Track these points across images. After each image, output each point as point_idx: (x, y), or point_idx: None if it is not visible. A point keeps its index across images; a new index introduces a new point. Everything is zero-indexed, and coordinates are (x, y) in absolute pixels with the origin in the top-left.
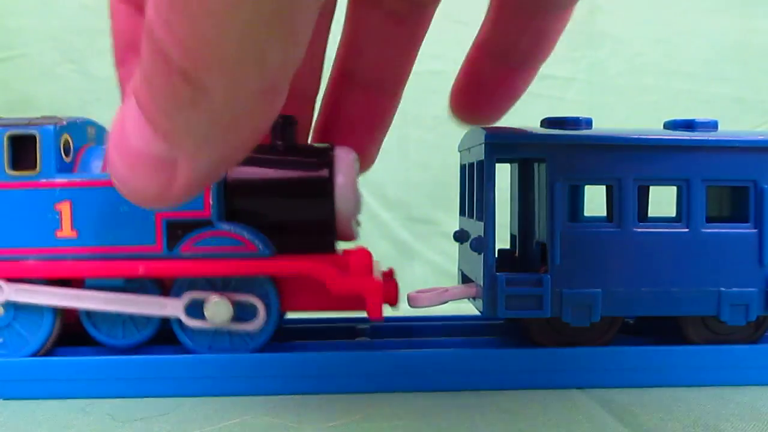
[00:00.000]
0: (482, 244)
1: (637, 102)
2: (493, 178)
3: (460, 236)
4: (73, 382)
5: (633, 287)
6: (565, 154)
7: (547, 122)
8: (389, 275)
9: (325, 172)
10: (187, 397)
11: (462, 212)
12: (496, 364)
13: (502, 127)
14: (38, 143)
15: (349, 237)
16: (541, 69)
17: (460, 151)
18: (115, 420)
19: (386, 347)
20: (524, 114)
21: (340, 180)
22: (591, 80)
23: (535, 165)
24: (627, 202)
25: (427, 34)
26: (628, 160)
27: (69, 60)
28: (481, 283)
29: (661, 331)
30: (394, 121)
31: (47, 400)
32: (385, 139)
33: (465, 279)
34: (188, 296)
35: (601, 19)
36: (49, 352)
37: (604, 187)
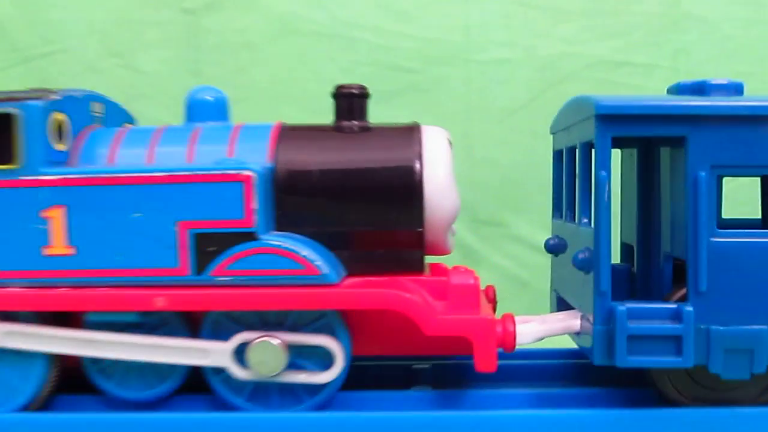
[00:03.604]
0: (591, 260)
1: None
2: (608, 165)
3: (554, 246)
4: None
5: None
6: (713, 132)
7: (681, 89)
8: (494, 301)
9: (411, 160)
10: None
11: (557, 213)
12: (613, 430)
13: (615, 95)
14: (17, 126)
15: (443, 250)
16: (617, 56)
17: (553, 133)
18: None
19: (454, 403)
20: None
21: (433, 172)
22: (676, 67)
23: (661, 149)
24: None
25: (492, 19)
26: None
27: (113, 53)
28: (590, 316)
29: None
30: (456, 115)
31: None
32: (449, 135)
33: (562, 304)
34: (238, 339)
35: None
36: (44, 405)
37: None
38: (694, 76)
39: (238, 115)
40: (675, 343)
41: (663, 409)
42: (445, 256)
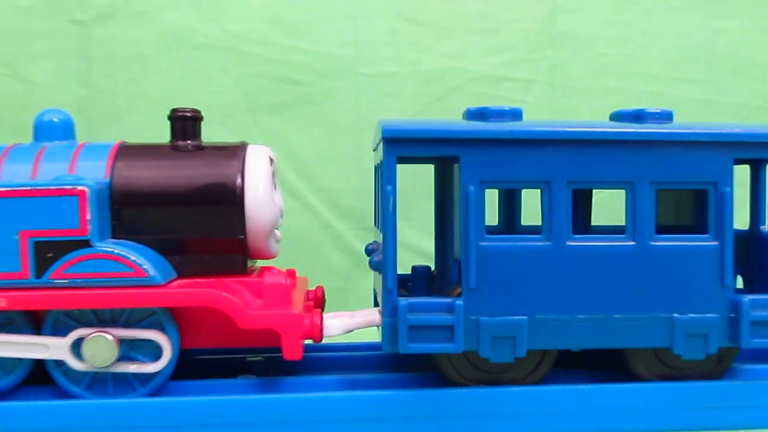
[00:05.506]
0: (380, 261)
1: (601, 104)
2: (393, 181)
3: (371, 250)
4: None
5: (567, 314)
6: (481, 152)
7: (469, 114)
8: (315, 299)
9: (232, 176)
10: None
11: (375, 222)
12: (403, 408)
13: (407, 119)
14: None
15: (266, 254)
16: (499, 71)
17: (373, 151)
18: None
19: (271, 388)
20: None
21: (252, 185)
22: (552, 82)
23: (454, 166)
24: (558, 210)
25: (380, 35)
26: (559, 159)
27: (1, 64)
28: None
29: (606, 365)
30: (347, 127)
31: None
32: (339, 145)
33: (377, 302)
34: (74, 334)
35: (562, 19)
36: None
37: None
38: (569, 91)
39: (130, 127)
40: (449, 332)
41: (446, 389)
42: (270, 259)
